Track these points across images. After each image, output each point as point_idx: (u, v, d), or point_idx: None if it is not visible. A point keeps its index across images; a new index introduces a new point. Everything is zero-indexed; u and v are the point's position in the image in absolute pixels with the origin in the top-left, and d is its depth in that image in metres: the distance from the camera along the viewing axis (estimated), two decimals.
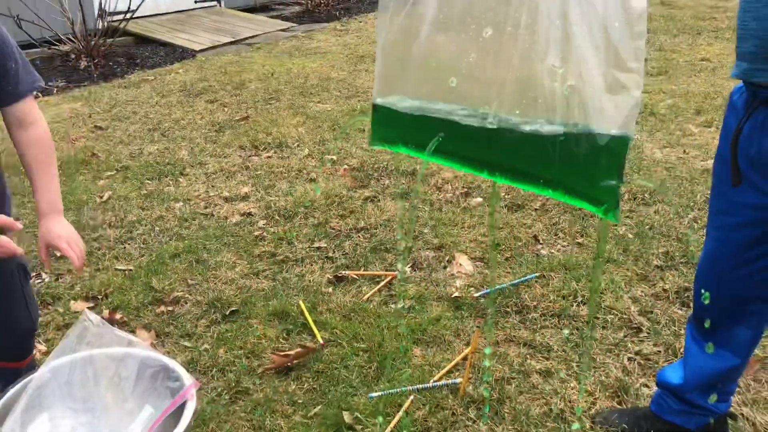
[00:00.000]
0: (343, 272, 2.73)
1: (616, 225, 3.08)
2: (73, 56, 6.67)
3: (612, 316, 2.41)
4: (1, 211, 1.63)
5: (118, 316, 2.45)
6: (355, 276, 2.71)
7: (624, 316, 2.40)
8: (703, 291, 1.67)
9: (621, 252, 2.83)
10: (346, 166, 3.83)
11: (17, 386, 1.74)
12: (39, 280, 2.73)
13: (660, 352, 2.22)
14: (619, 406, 2.00)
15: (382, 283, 2.65)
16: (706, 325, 1.66)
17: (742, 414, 1.95)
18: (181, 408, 1.71)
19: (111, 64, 6.68)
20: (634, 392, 2.05)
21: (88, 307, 2.52)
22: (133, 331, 2.39)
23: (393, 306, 2.52)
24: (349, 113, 4.90)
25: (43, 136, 1.70)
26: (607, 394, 2.05)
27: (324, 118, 4.76)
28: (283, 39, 7.79)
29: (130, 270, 2.80)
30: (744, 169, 1.48)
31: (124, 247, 3.01)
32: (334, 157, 4.00)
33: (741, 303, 1.63)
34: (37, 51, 6.72)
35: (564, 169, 1.13)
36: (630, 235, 2.96)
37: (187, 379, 1.78)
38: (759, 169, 1.45)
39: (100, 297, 2.60)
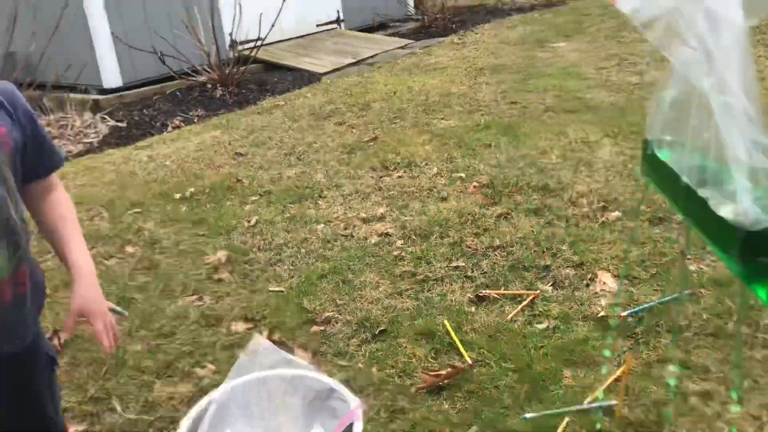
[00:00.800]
0: (484, 291, 2.78)
1: None
2: (209, 86, 7.12)
3: None
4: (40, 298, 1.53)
5: (276, 336, 2.62)
6: (496, 295, 2.75)
7: None
8: None
9: None
10: (475, 184, 3.87)
11: (202, 404, 1.92)
12: (200, 302, 2.96)
13: None
14: None
15: (525, 303, 2.68)
16: None
17: None
18: (348, 429, 1.82)
19: (244, 91, 7.07)
20: None
21: (247, 328, 2.71)
22: (291, 351, 2.54)
23: (537, 326, 2.54)
24: (473, 129, 4.95)
25: (66, 196, 1.59)
26: None
27: (449, 135, 4.83)
28: (402, 57, 7.95)
29: (282, 291, 2.98)
30: None
31: (275, 269, 3.20)
32: (463, 175, 4.05)
33: None
34: (176, 83, 7.24)
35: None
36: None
37: (352, 400, 1.88)
38: None
39: (257, 318, 2.79)
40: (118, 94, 7.04)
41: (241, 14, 7.12)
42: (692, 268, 2.78)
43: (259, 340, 2.05)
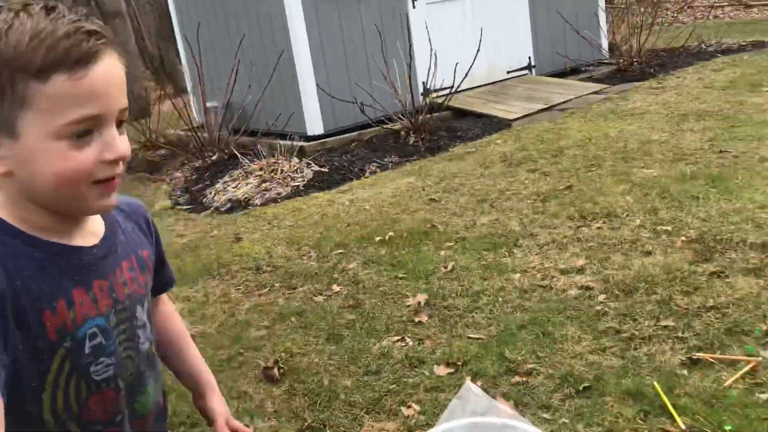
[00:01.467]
0: (698, 354, 2.64)
1: None
2: (402, 133, 7.45)
3: None
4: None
5: (478, 383, 2.67)
6: (711, 359, 2.61)
7: None
8: None
9: None
10: (683, 238, 3.70)
11: None
12: (403, 343, 3.10)
13: None
14: None
15: (745, 369, 2.51)
16: None
17: None
18: None
19: (435, 138, 7.31)
20: None
21: (449, 373, 2.79)
22: (493, 399, 2.58)
23: (760, 395, 2.37)
24: (678, 178, 4.73)
25: (177, 312, 1.48)
26: None
27: (651, 185, 4.66)
28: (596, 102, 7.80)
29: (482, 339, 3.03)
30: None
31: (473, 317, 3.27)
32: (669, 228, 3.89)
33: None
34: (372, 130, 7.66)
35: None
36: None
37: None
38: None
39: (459, 363, 2.86)
40: (320, 141, 7.59)
41: (436, 65, 7.42)
42: None
43: (470, 385, 2.12)
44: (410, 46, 7.55)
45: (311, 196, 5.88)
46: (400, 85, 7.38)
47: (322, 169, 6.63)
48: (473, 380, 2.70)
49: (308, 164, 6.68)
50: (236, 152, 6.90)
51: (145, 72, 15.79)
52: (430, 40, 7.61)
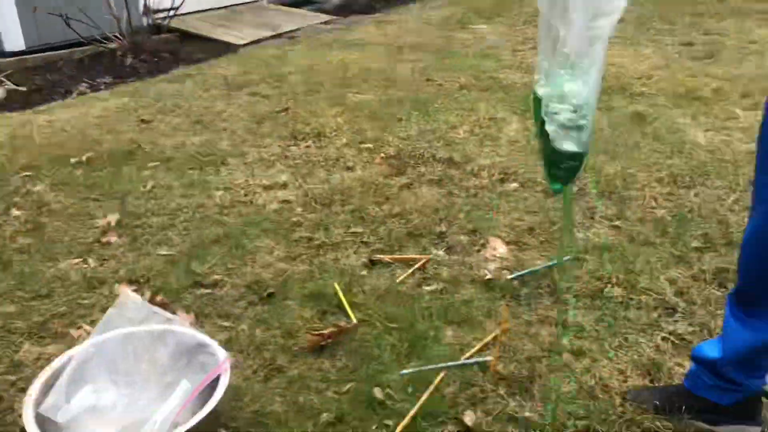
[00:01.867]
0: (378, 256, 2.77)
1: (653, 208, 3.05)
2: (120, 53, 6.85)
3: (647, 297, 2.39)
4: None
5: (159, 298, 2.53)
6: (389, 260, 2.74)
7: (659, 297, 2.38)
8: (747, 265, 1.66)
9: (659, 234, 2.80)
10: (382, 155, 3.86)
11: (62, 360, 1.83)
12: (85, 265, 2.84)
13: (695, 332, 2.20)
14: (651, 384, 1.99)
15: (416, 266, 2.68)
16: (748, 298, 1.66)
17: None
18: (215, 382, 1.78)
19: (156, 60, 6.83)
20: (666, 371, 2.04)
21: (132, 290, 2.62)
22: (173, 313, 2.47)
23: (426, 288, 2.54)
24: (387, 103, 4.93)
25: None
26: (638, 372, 2.04)
27: (362, 108, 4.80)
28: (324, 32, 7.85)
29: (172, 255, 2.89)
30: None
31: (166, 234, 3.10)
32: (371, 146, 4.03)
33: None
34: (85, 49, 6.92)
35: None
36: (668, 218, 2.92)
37: (221, 354, 1.84)
38: None
39: (142, 281, 2.69)
40: (19, 57, 6.69)
41: None
42: (580, 235, 2.85)
43: (128, 294, 1.98)
44: None
45: (2, 116, 5.16)
46: (114, 2, 6.73)
47: (20, 88, 5.86)
48: (155, 295, 2.55)
49: (1, 82, 5.86)
50: None
51: None
52: None
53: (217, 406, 1.74)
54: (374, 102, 4.97)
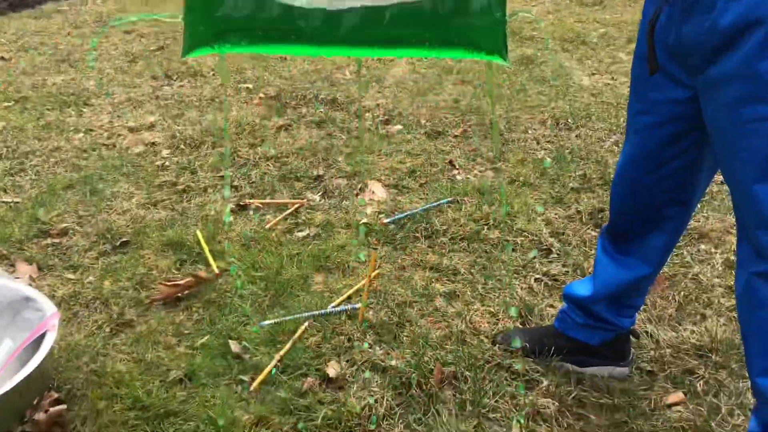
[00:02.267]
0: (247, 201, 2.58)
1: (534, 150, 2.99)
2: None
3: (522, 238, 2.33)
4: None
5: None
6: (259, 204, 2.56)
7: (535, 238, 2.33)
8: (617, 197, 1.60)
9: (538, 176, 2.74)
10: (262, 95, 3.63)
11: None
12: None
13: (568, 272, 2.15)
14: (521, 327, 1.93)
15: (288, 212, 2.51)
16: (619, 233, 1.60)
17: (647, 331, 1.89)
18: (40, 340, 1.57)
19: None
20: (538, 312, 1.98)
21: None
22: (13, 265, 2.21)
23: (298, 234, 2.38)
24: None
25: None
26: (510, 315, 1.97)
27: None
28: None
29: (17, 202, 2.59)
30: (662, 60, 1.37)
31: (14, 179, 2.79)
32: (251, 86, 3.79)
33: (657, 208, 1.55)
34: None
35: (437, 21, 1.09)
36: (548, 159, 2.87)
37: (50, 309, 1.62)
38: (677, 58, 1.34)
39: None
40: None
41: None
42: (459, 177, 2.75)
43: None
44: None
45: None
46: None
47: None
48: None
49: None
50: None
51: None
52: None
53: (42, 365, 1.53)
54: None
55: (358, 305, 1.97)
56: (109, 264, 2.22)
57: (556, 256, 2.24)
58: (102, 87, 3.83)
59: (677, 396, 1.67)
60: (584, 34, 4.73)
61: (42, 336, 1.59)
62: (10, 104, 3.60)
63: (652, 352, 1.82)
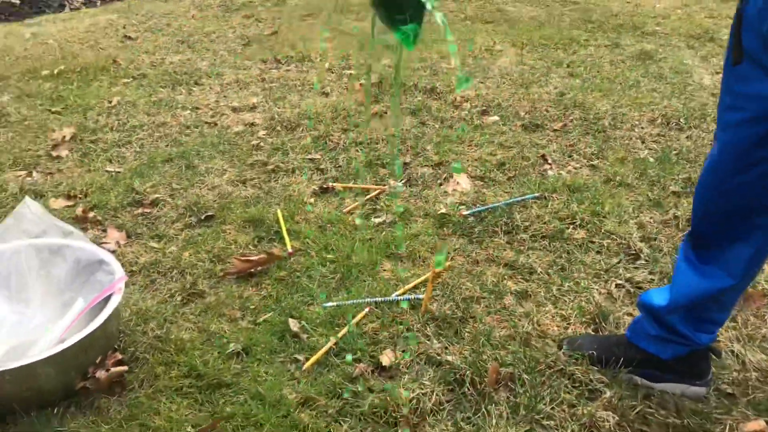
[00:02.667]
0: (330, 184, 2.59)
1: (637, 149, 2.81)
2: None
3: (609, 241, 2.18)
4: None
5: (91, 214, 2.39)
6: (341, 188, 2.56)
7: (623, 242, 2.18)
8: (701, 201, 1.46)
9: (637, 176, 2.57)
10: (362, 81, 3.64)
11: None
12: (29, 178, 2.70)
13: (654, 280, 2.00)
14: (593, 333, 1.81)
15: (368, 197, 2.49)
16: (702, 240, 1.46)
17: (732, 351, 1.72)
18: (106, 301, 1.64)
19: None
20: (614, 320, 1.85)
21: (66, 206, 2.48)
22: (104, 231, 2.33)
23: (374, 219, 2.36)
24: (383, 30, 4.66)
25: None
26: (583, 320, 1.85)
27: (356, 34, 4.55)
28: None
29: (119, 172, 2.74)
30: (755, 50, 1.23)
31: (120, 151, 2.94)
32: (354, 72, 3.80)
33: (745, 214, 1.40)
34: None
35: None
36: (651, 159, 2.68)
37: (119, 272, 1.69)
38: None
39: (80, 196, 2.55)
40: None
41: None
42: (550, 173, 2.63)
43: (29, 204, 1.83)
44: None
45: None
46: None
47: (13, 0, 5.68)
48: (88, 211, 2.41)
49: None
50: None
51: None
52: None
53: (105, 325, 1.60)
54: (369, 28, 4.70)
55: (421, 296, 1.92)
56: (191, 236, 2.29)
57: (643, 262, 2.09)
58: (213, 68, 3.97)
59: (758, 424, 1.51)
60: (714, 30, 4.39)
61: (109, 298, 1.65)
62: (128, 80, 3.81)
63: (735, 374, 1.65)
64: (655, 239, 2.19)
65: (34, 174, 2.74)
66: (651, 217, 2.31)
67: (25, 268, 1.75)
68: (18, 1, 5.72)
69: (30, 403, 1.52)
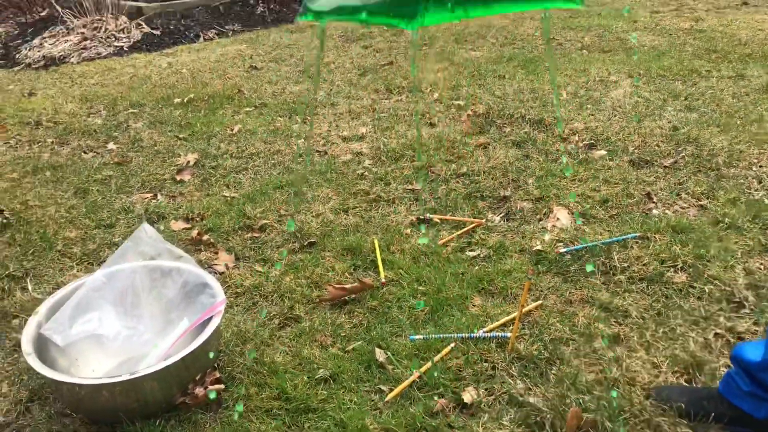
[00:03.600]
0: (428, 215, 2.64)
1: (753, 189, 2.67)
2: (252, 1, 7.04)
3: (712, 287, 2.09)
4: None
5: (206, 237, 2.57)
6: (438, 220, 2.61)
7: (727, 288, 2.08)
8: None
9: (750, 219, 2.44)
10: (470, 112, 3.67)
11: (73, 285, 1.89)
12: (153, 200, 2.94)
13: (758, 331, 1.90)
14: (683, 384, 1.75)
15: (464, 230, 2.53)
16: None
17: None
18: (207, 323, 1.76)
19: (285, 10, 6.95)
20: (709, 371, 1.77)
21: (183, 228, 2.68)
22: (216, 253, 2.50)
23: (468, 253, 2.39)
24: (496, 60, 4.69)
25: None
26: (676, 369, 1.79)
27: (469, 65, 4.60)
28: None
29: (234, 197, 2.92)
30: None
31: (237, 177, 3.14)
32: (462, 103, 3.85)
33: None
34: None
35: None
36: (767, 201, 2.54)
37: (220, 296, 1.82)
38: None
39: (197, 219, 2.75)
40: (163, 3, 7.05)
41: None
42: (655, 212, 2.55)
43: (146, 228, 2.01)
44: None
45: (131, 57, 5.49)
46: None
47: (154, 32, 6.19)
48: (203, 234, 2.59)
49: (138, 25, 6.21)
50: (59, 8, 6.31)
51: None
52: None
53: (205, 345, 1.73)
54: (483, 59, 4.75)
55: (509, 334, 1.93)
56: (293, 261, 2.42)
57: (748, 311, 1.99)
58: (329, 98, 4.15)
59: None
60: None
61: (210, 319, 1.78)
62: (250, 109, 4.05)
63: None
64: (763, 288, 2.08)
65: (159, 196, 2.98)
66: (761, 264, 2.20)
67: (139, 287, 1.93)
68: (159, 32, 6.21)
69: (135, 413, 1.66)
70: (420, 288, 2.20)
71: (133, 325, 1.90)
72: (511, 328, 1.98)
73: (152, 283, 1.94)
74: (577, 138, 3.26)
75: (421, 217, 2.63)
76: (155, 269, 1.95)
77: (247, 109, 4.06)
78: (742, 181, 2.73)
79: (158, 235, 1.99)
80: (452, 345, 1.91)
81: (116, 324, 1.88)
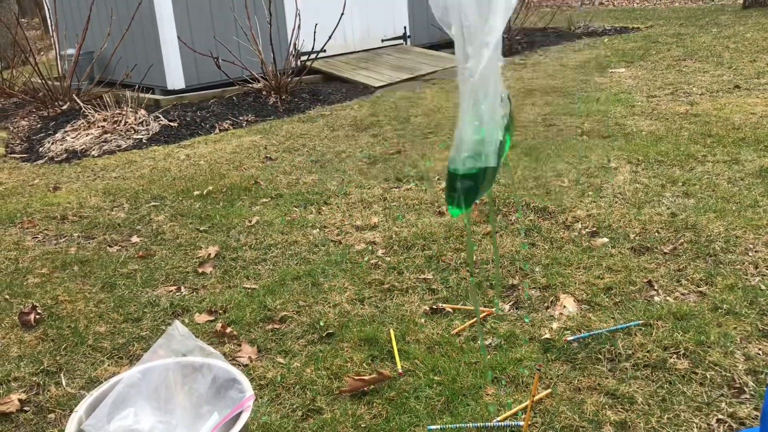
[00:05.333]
0: (440, 305, 2.77)
1: (749, 275, 2.80)
2: (264, 93, 7.38)
3: (713, 373, 2.20)
4: None
5: (228, 329, 2.70)
6: (450, 309, 2.74)
7: (727, 374, 2.18)
8: None
9: (747, 304, 2.56)
10: (477, 201, 3.84)
11: (111, 382, 2.02)
12: (178, 293, 3.09)
13: (758, 416, 1.99)
14: None
15: (475, 319, 2.65)
16: None
17: None
18: (237, 418, 1.88)
19: (296, 100, 7.28)
20: None
21: (207, 321, 2.81)
22: (239, 345, 2.62)
23: (481, 342, 2.51)
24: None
25: None
26: None
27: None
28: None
29: (254, 289, 3.07)
30: None
31: (256, 268, 3.30)
32: None
33: None
34: (236, 89, 7.54)
35: None
36: (763, 287, 2.67)
37: (249, 391, 1.94)
38: None
39: (220, 312, 2.88)
40: (178, 95, 7.41)
41: (299, 25, 7.35)
42: (657, 299, 2.68)
43: (177, 326, 2.15)
44: (275, 4, 7.43)
45: (150, 150, 5.75)
46: (262, 44, 7.29)
47: (171, 124, 6.48)
48: (226, 327, 2.73)
49: (156, 117, 6.52)
50: (80, 102, 6.64)
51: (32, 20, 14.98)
52: (296, 0, 7.54)
53: None
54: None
55: (522, 423, 2.03)
56: (313, 353, 2.54)
57: (748, 396, 2.09)
58: (341, 188, 4.35)
59: None
60: None
61: (239, 414, 1.90)
62: (267, 200, 4.25)
63: None
64: (762, 373, 2.18)
65: (182, 289, 3.13)
66: (759, 349, 2.31)
67: (171, 383, 2.05)
68: (176, 124, 6.50)
69: None
70: (435, 378, 2.31)
71: (167, 420, 2.01)
72: (523, 416, 2.08)
73: (184, 379, 2.06)
74: (580, 225, 3.42)
75: (434, 307, 2.76)
76: (187, 365, 2.07)
77: (264, 200, 4.26)
78: (738, 266, 2.86)
79: (189, 333, 2.13)
80: None
81: (151, 419, 1.99)
